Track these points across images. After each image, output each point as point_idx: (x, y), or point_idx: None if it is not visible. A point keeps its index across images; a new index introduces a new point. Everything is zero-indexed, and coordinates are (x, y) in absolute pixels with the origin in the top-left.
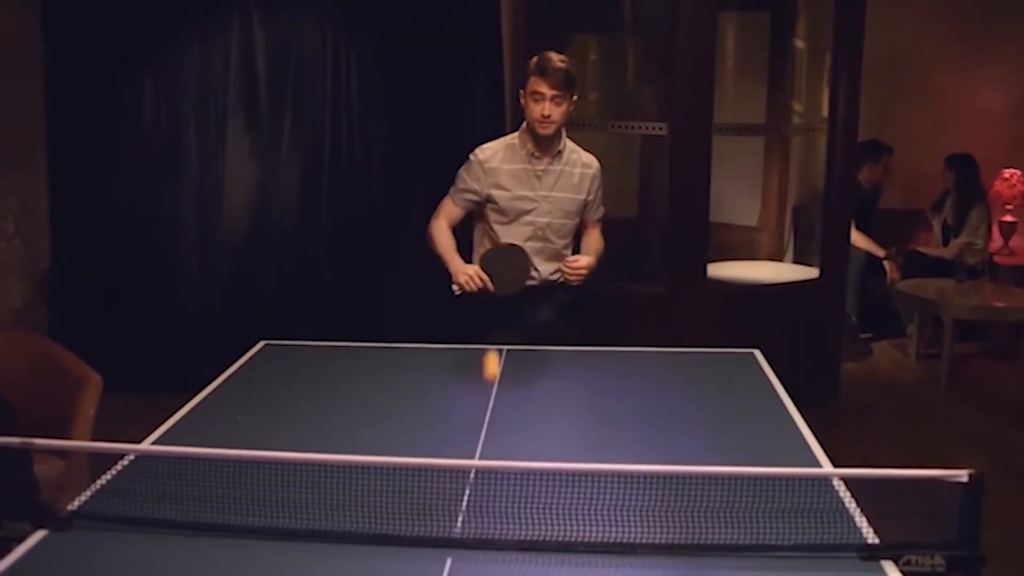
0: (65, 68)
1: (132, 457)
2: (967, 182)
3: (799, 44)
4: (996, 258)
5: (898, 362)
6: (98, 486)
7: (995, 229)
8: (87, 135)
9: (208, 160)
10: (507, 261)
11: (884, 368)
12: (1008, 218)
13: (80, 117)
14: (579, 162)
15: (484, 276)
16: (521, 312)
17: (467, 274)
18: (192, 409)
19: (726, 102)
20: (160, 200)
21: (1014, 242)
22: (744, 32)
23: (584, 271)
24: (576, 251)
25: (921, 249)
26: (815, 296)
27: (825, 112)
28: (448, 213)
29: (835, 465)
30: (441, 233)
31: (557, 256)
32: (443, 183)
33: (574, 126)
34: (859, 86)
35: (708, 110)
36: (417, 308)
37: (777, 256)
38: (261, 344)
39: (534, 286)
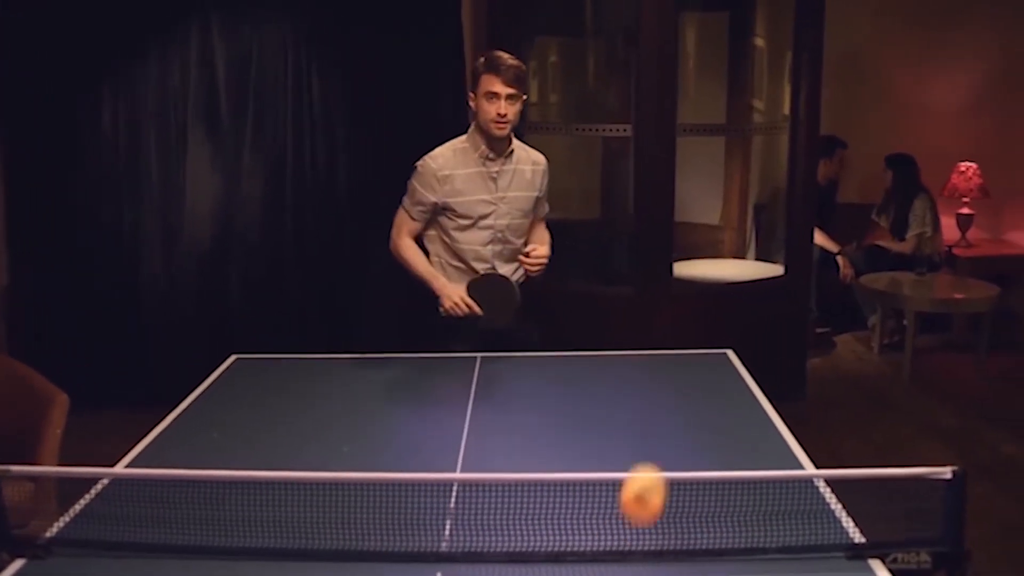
0: (21, 78)
1: (107, 480)
2: (906, 179)
3: (758, 43)
4: (955, 250)
5: (861, 356)
6: (75, 511)
7: (953, 221)
8: (45, 147)
9: (170, 171)
10: (494, 290)
11: (848, 362)
12: (965, 210)
13: (37, 128)
14: (529, 159)
15: (471, 303)
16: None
17: (453, 300)
18: (167, 427)
19: (687, 102)
20: (122, 212)
21: (972, 234)
22: (704, 33)
23: (543, 259)
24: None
25: (881, 243)
26: (781, 293)
27: (786, 110)
28: (409, 228)
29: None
30: (410, 251)
31: (516, 256)
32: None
33: (537, 129)
34: (820, 84)
35: (672, 111)
36: (384, 315)
37: (740, 254)
38: (233, 358)
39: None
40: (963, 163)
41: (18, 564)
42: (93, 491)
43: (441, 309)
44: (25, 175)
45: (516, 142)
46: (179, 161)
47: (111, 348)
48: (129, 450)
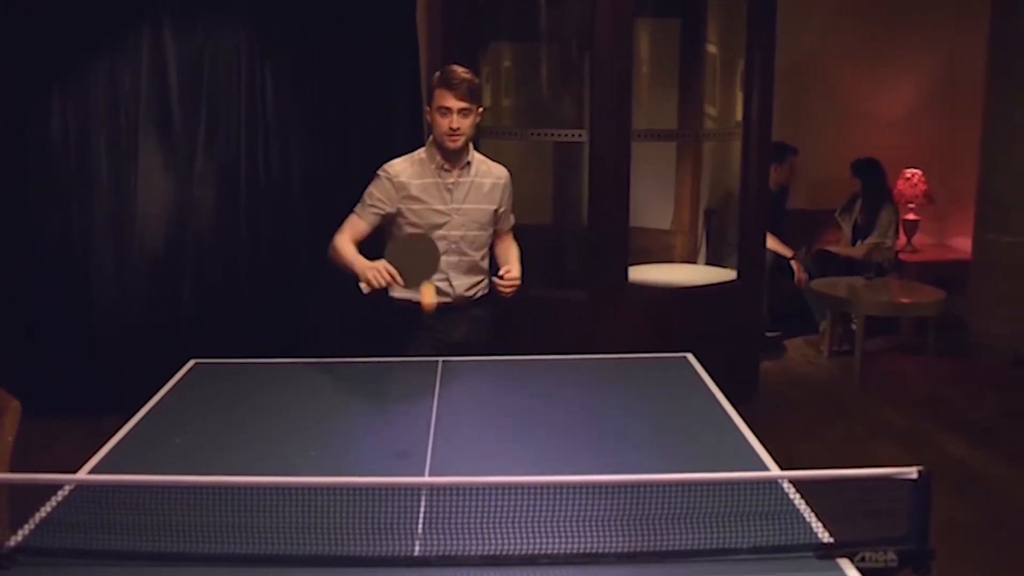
0: None
1: (70, 487)
2: (874, 185)
3: (710, 49)
4: (901, 255)
5: (811, 359)
6: (38, 519)
7: (900, 228)
8: None
9: (121, 175)
10: (414, 251)
11: (798, 365)
12: (911, 216)
13: None
14: (489, 173)
15: (392, 270)
16: (438, 329)
17: (374, 268)
18: (128, 433)
19: (640, 107)
20: (72, 218)
21: (917, 239)
22: (656, 38)
23: (517, 281)
24: (492, 260)
25: (831, 248)
26: (734, 297)
27: (739, 116)
28: (353, 228)
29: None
30: (343, 243)
31: (474, 269)
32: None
33: (492, 134)
34: (772, 90)
35: (626, 116)
36: (339, 320)
37: (691, 258)
38: (192, 363)
39: (448, 303)
40: (909, 170)
41: None
42: (55, 499)
43: (362, 284)
44: None
45: (477, 155)
46: (131, 165)
47: (61, 355)
48: (90, 457)
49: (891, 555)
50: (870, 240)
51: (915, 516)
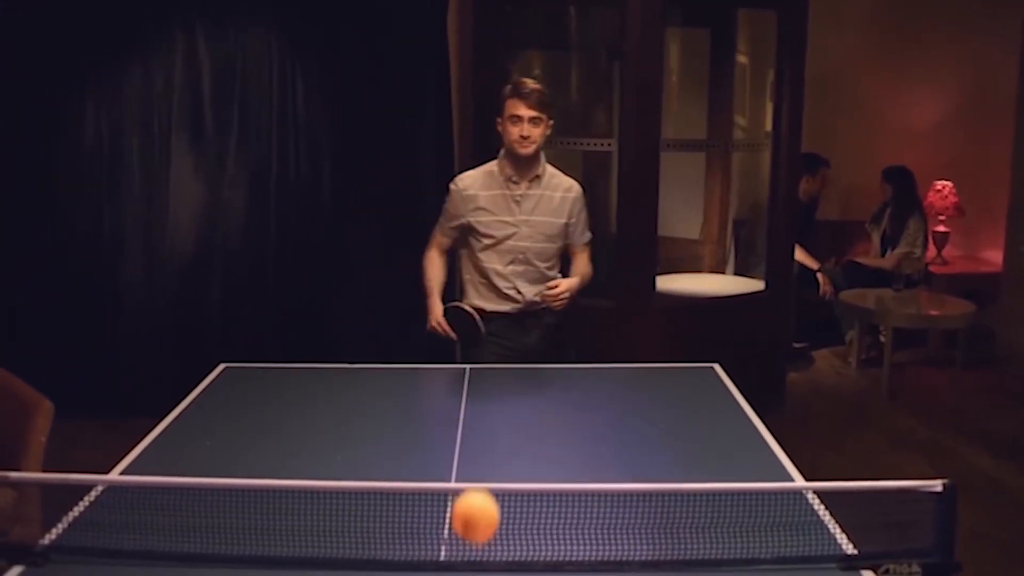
0: (3, 84)
1: (102, 487)
2: (904, 194)
3: (740, 60)
4: (931, 268)
5: (839, 370)
6: (70, 519)
7: (929, 239)
8: (28, 154)
9: (153, 179)
10: (462, 321)
11: (826, 376)
12: (941, 228)
13: (20, 135)
14: (560, 186)
15: (446, 327)
16: (508, 336)
17: (431, 325)
18: (158, 436)
19: (669, 117)
20: (104, 220)
21: (947, 252)
22: (685, 48)
23: (565, 295)
24: (565, 275)
25: (860, 260)
26: (761, 308)
27: (768, 127)
28: (438, 243)
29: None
30: (430, 265)
31: (542, 279)
32: (390, 197)
33: None
34: (802, 101)
35: (655, 126)
36: (366, 324)
37: (719, 268)
38: (222, 367)
39: (520, 309)
40: (939, 182)
41: (15, 571)
42: (87, 499)
43: (428, 325)
44: (7, 182)
45: (549, 168)
46: (162, 167)
47: (91, 357)
48: (122, 458)
49: (915, 568)
50: (899, 250)
51: (940, 529)
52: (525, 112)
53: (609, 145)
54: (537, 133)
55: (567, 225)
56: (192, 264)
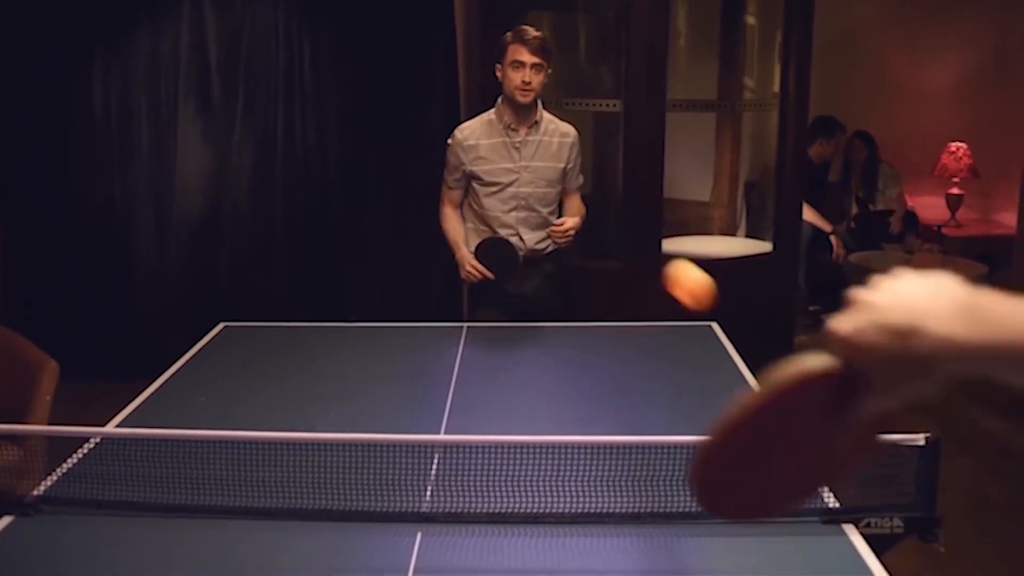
0: (11, 53)
1: (96, 441)
2: (874, 154)
3: (750, 20)
4: (944, 230)
5: None
6: (62, 470)
7: (942, 201)
8: (36, 121)
9: (160, 146)
10: (498, 252)
11: None
12: (955, 191)
13: (28, 103)
14: (557, 131)
15: (481, 268)
16: (507, 291)
17: (466, 270)
18: (154, 392)
19: (678, 78)
20: (112, 187)
21: (961, 214)
22: (694, 8)
23: (571, 232)
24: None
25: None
26: (769, 270)
27: (776, 88)
28: (449, 198)
29: None
30: (448, 220)
31: (543, 224)
32: (397, 164)
33: None
34: (810, 62)
35: (662, 86)
36: (373, 290)
37: (730, 231)
38: (221, 326)
39: (520, 255)
40: (954, 143)
41: (5, 522)
42: (80, 452)
43: (463, 275)
44: (17, 149)
45: (546, 115)
46: (170, 135)
47: (101, 320)
48: (117, 412)
49: (897, 521)
50: (890, 195)
51: (922, 483)
52: (528, 58)
53: (615, 106)
54: (538, 80)
55: (565, 169)
56: (201, 230)
